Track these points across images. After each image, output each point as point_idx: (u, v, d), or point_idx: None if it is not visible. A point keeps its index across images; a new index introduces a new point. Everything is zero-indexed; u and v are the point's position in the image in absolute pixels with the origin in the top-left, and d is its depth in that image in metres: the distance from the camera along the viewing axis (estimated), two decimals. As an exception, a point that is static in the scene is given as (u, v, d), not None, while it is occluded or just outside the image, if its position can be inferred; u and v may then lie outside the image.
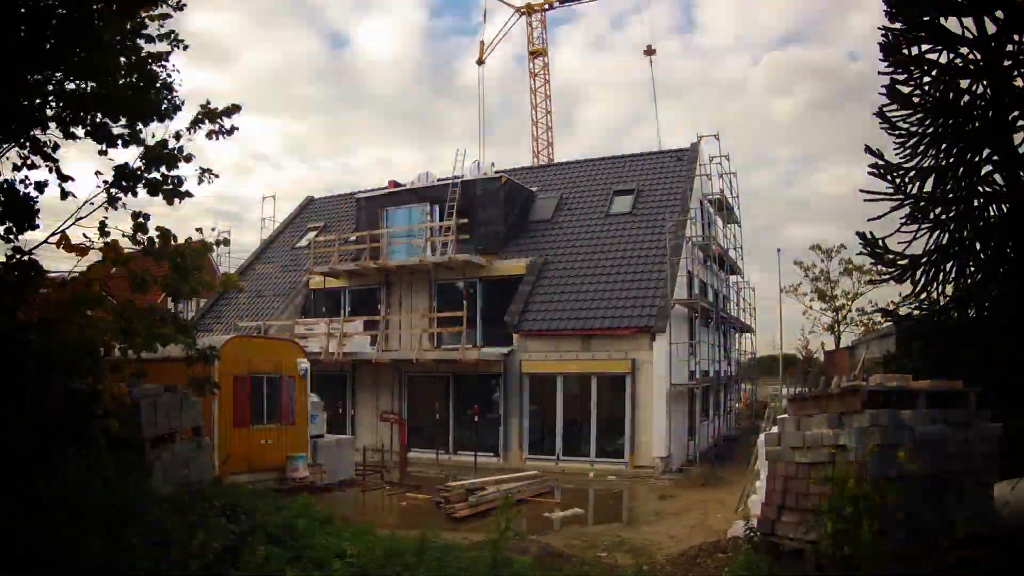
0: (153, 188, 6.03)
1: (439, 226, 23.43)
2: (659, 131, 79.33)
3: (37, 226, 5.86)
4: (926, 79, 10.25)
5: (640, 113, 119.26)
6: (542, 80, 51.79)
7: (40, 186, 5.86)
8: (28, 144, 5.84)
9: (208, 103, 6.21)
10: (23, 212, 5.73)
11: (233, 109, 6.27)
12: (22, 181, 5.85)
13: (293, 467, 16.04)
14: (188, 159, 6.09)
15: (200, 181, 6.24)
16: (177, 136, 6.09)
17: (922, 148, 10.35)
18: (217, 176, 6.37)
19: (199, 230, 6.40)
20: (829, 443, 6.67)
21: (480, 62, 52.74)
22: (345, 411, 23.81)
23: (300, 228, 31.02)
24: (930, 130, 10.26)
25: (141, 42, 6.23)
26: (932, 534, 5.87)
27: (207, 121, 6.19)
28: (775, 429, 8.76)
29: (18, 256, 5.71)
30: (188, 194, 6.14)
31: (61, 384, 7.49)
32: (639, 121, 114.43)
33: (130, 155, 6.08)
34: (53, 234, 5.77)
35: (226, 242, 6.58)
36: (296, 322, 24.39)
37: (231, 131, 6.29)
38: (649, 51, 50.43)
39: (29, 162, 5.91)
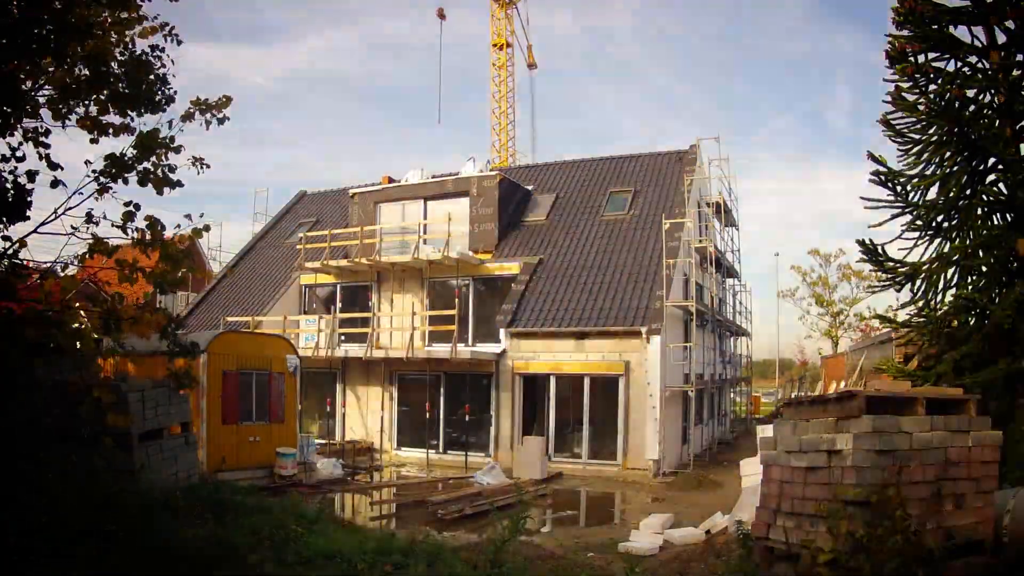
0: (143, 177, 5.93)
1: (433, 223, 23.29)
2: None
3: (28, 217, 5.75)
4: (932, 87, 10.21)
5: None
6: (506, 73, 49.98)
7: (32, 175, 5.74)
8: (20, 131, 5.75)
9: (198, 98, 6.24)
10: (15, 203, 5.61)
11: (225, 102, 6.27)
12: (11, 172, 5.74)
13: (282, 464, 15.93)
14: (178, 150, 6.03)
15: (194, 166, 6.16)
16: (170, 124, 6.03)
17: (926, 156, 10.31)
18: (209, 166, 6.32)
19: (188, 216, 6.28)
20: (826, 448, 6.59)
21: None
22: (335, 408, 23.67)
23: (292, 223, 30.78)
24: (934, 138, 10.22)
25: (136, 30, 6.17)
26: (931, 542, 5.80)
27: (199, 113, 6.21)
28: (770, 432, 8.69)
29: (8, 246, 5.58)
30: (179, 183, 6.07)
31: (51, 377, 7.37)
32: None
33: (119, 145, 5.99)
34: (42, 224, 5.65)
35: (207, 228, 6.48)
36: (286, 318, 24.23)
37: (222, 121, 6.31)
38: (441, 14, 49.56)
39: (20, 153, 5.80)
